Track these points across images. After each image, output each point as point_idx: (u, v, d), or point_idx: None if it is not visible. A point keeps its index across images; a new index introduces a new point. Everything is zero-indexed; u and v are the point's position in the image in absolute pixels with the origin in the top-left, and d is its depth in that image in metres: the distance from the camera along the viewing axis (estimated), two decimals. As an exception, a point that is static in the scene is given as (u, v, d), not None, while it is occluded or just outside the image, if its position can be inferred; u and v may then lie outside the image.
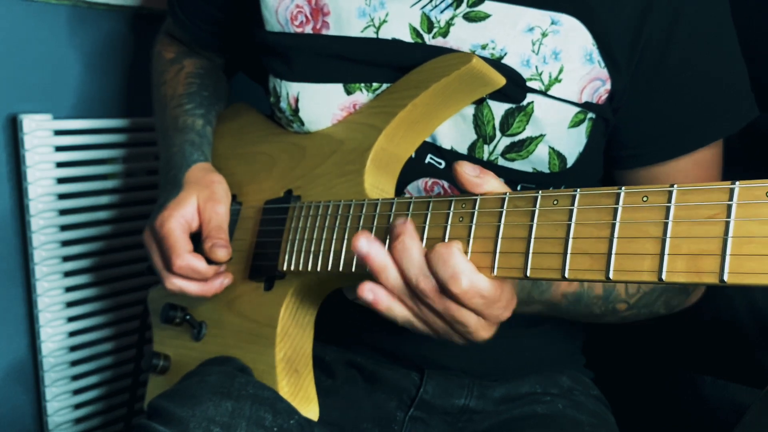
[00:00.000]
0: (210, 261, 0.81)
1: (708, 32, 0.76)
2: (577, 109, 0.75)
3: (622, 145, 0.81)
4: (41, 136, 1.14)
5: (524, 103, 0.74)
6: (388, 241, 0.63)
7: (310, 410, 0.78)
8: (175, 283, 0.81)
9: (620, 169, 0.84)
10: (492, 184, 0.60)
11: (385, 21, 0.77)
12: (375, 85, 0.80)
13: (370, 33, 0.78)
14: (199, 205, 0.83)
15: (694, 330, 1.02)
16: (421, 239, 0.63)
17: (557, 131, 0.76)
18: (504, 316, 0.62)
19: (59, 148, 1.17)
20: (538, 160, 0.77)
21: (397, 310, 0.62)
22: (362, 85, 0.80)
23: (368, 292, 0.61)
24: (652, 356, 1.10)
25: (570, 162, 0.78)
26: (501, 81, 0.73)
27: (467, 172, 0.60)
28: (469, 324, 0.60)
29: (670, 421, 1.06)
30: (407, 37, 0.77)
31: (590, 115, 0.76)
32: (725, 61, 0.78)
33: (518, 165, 0.78)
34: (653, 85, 0.76)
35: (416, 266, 0.59)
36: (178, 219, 0.81)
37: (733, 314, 0.97)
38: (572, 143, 0.77)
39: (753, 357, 0.97)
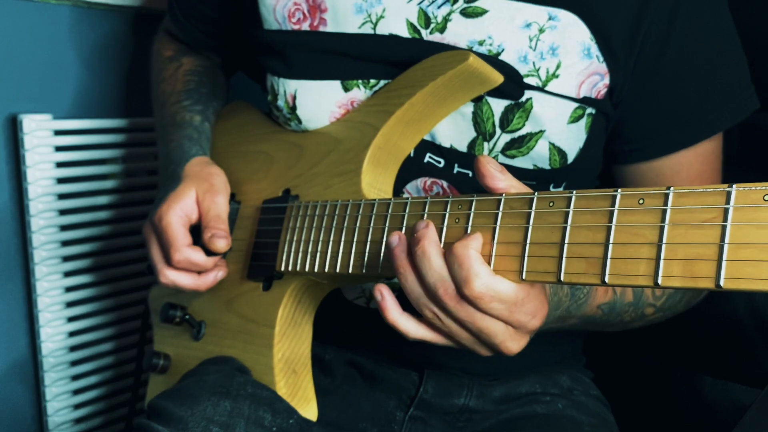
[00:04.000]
0: (209, 253, 0.80)
1: (707, 24, 0.76)
2: (576, 105, 0.75)
3: (624, 139, 0.80)
4: (41, 136, 1.13)
5: (523, 99, 0.74)
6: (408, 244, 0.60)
7: (309, 410, 0.78)
8: (169, 277, 0.81)
9: (622, 164, 0.83)
10: (513, 184, 0.58)
11: (382, 17, 0.77)
12: (372, 81, 0.80)
13: (367, 29, 0.78)
14: (198, 197, 0.83)
15: (694, 330, 1.01)
16: None
17: (557, 127, 0.76)
18: (532, 325, 0.57)
19: (59, 148, 1.17)
20: (539, 156, 0.77)
21: (404, 324, 0.59)
22: (360, 81, 0.80)
23: (377, 293, 0.59)
24: (651, 356, 1.09)
25: (570, 158, 0.78)
26: (498, 79, 0.72)
27: (492, 166, 0.57)
28: (496, 334, 0.57)
29: (670, 421, 1.05)
30: (404, 33, 0.77)
31: (589, 110, 0.76)
32: (725, 53, 0.78)
33: (519, 162, 0.77)
34: (654, 79, 0.76)
35: (436, 272, 0.56)
36: (177, 212, 0.81)
37: (733, 314, 0.97)
38: (572, 139, 0.77)
39: (753, 357, 0.96)
